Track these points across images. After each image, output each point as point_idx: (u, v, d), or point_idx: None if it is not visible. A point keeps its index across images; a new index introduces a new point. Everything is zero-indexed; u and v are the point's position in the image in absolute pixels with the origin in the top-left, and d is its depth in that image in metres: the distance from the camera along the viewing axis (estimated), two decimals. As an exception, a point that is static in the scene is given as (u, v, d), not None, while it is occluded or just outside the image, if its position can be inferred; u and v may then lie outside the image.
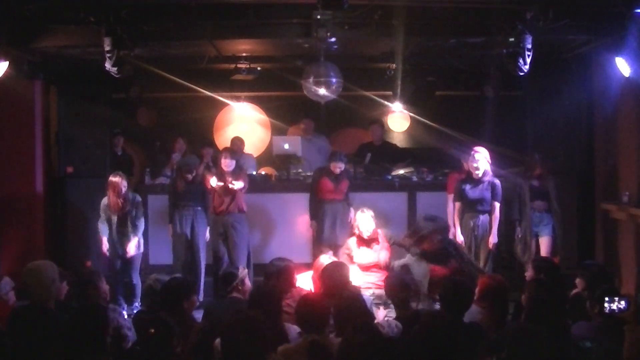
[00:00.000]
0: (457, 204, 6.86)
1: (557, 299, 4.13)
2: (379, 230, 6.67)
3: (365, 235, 6.55)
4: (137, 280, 7.00)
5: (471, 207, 6.74)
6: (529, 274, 5.36)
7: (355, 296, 4.31)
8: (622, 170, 7.15)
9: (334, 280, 4.84)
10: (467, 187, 6.73)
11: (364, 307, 4.15)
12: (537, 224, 6.94)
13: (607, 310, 4.10)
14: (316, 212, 7.20)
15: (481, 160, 6.67)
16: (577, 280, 5.22)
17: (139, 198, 7.11)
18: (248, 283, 4.88)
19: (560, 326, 3.91)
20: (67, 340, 3.31)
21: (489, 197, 6.68)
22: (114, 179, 6.81)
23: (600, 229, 7.60)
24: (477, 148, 6.76)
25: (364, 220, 6.58)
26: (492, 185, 6.71)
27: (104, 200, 6.97)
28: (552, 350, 3.24)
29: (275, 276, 4.89)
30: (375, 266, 6.45)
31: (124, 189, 6.84)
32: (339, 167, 7.14)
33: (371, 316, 4.26)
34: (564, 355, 3.66)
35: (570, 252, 7.45)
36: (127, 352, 3.72)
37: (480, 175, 6.67)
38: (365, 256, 6.50)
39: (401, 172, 8.19)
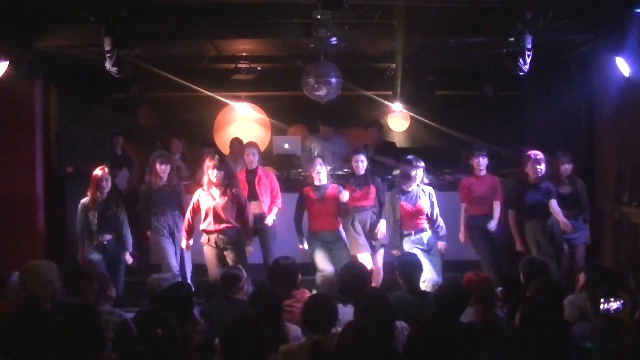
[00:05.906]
0: (514, 212, 6.58)
1: (555, 301, 4.12)
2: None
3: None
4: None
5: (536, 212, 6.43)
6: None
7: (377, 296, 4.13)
8: (622, 170, 7.16)
9: (354, 280, 4.80)
10: (529, 192, 6.43)
11: (387, 306, 3.95)
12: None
13: (601, 310, 4.10)
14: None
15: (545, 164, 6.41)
16: (581, 275, 5.21)
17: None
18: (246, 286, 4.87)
19: (558, 327, 3.91)
20: (62, 339, 3.32)
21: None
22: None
23: (600, 229, 7.60)
24: (536, 152, 6.49)
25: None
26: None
27: None
28: (546, 354, 3.23)
29: (280, 275, 4.87)
30: None
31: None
32: (359, 160, 6.61)
33: (394, 315, 4.00)
34: (561, 356, 3.66)
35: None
36: (129, 352, 3.72)
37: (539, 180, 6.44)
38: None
39: (401, 171, 8.17)
